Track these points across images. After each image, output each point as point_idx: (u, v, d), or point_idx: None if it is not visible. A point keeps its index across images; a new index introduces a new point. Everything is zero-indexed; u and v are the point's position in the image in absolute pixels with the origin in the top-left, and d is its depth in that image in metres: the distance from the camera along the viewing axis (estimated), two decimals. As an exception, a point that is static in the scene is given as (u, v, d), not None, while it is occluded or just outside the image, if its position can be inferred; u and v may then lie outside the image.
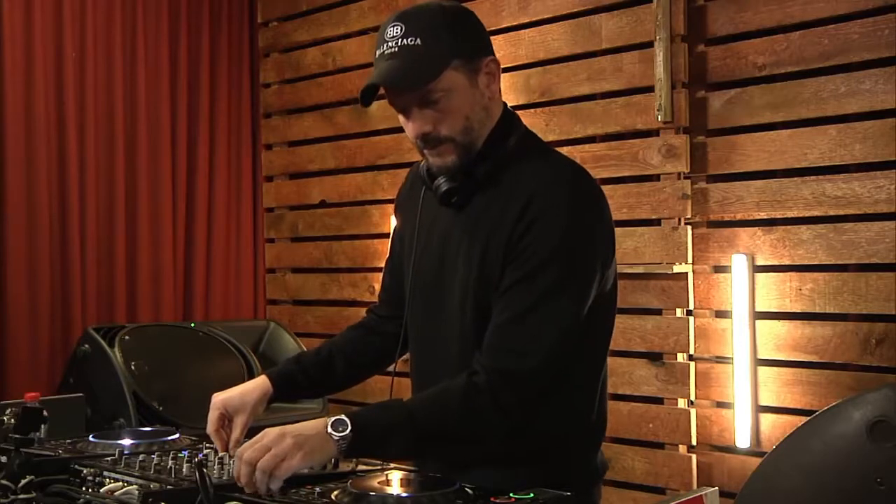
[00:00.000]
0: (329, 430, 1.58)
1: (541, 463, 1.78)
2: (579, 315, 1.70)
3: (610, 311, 1.83)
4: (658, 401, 3.42)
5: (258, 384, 1.95)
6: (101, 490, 1.67)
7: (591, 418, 1.84)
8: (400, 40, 1.68)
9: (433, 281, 1.84)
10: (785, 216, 3.14)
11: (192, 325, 4.01)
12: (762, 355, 3.18)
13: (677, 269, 3.33)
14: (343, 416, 1.60)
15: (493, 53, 1.79)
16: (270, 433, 1.58)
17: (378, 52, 1.72)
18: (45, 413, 1.89)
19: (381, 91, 1.74)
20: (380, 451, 1.68)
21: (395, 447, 1.65)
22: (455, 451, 1.75)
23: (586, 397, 1.83)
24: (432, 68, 1.68)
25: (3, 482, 1.71)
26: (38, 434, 1.89)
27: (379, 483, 1.59)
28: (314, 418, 1.66)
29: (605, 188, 3.63)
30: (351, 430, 1.58)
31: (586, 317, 1.72)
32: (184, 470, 1.70)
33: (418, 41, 1.67)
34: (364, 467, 1.75)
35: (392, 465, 1.77)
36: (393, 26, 1.70)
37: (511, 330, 1.67)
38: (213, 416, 1.87)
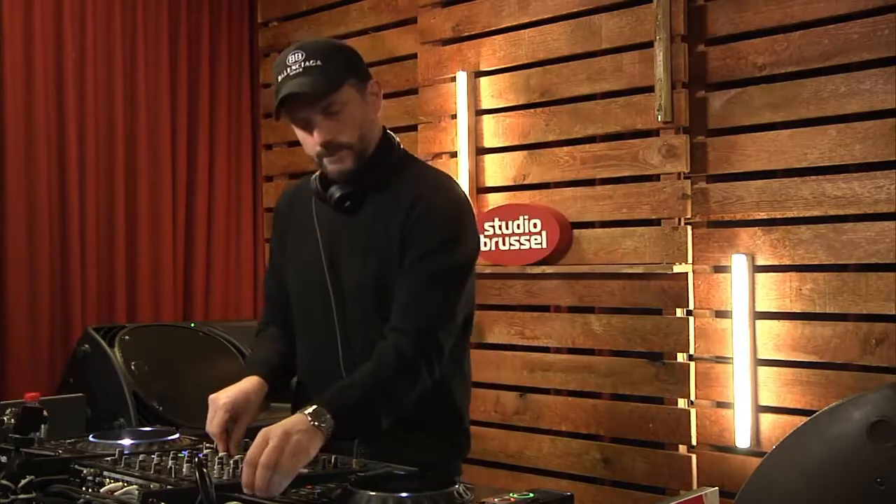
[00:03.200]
0: (315, 423, 1.68)
1: (437, 433, 2.05)
2: (464, 289, 2.00)
3: (471, 301, 2.08)
4: (658, 401, 3.42)
5: (256, 384, 1.98)
6: (101, 490, 1.67)
7: (458, 394, 2.10)
8: (303, 63, 1.96)
9: (322, 283, 2.04)
10: (785, 216, 3.14)
11: (192, 325, 4.01)
12: (762, 355, 3.19)
13: (677, 269, 3.33)
14: (318, 407, 1.72)
15: (373, 78, 2.09)
16: (274, 431, 1.63)
17: (280, 77, 1.97)
18: (45, 413, 1.89)
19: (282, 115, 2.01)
20: (354, 430, 1.83)
21: (366, 423, 1.83)
22: (399, 414, 1.90)
23: (457, 376, 2.09)
24: (334, 81, 1.97)
25: (3, 482, 1.71)
26: (38, 434, 1.89)
27: (379, 483, 1.59)
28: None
29: (605, 188, 3.64)
30: (332, 417, 1.70)
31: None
32: (184, 470, 1.70)
33: (319, 62, 1.96)
34: (364, 468, 1.75)
35: (392, 465, 1.78)
36: (294, 53, 1.97)
37: (419, 297, 1.94)
38: (221, 419, 1.87)
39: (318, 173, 2.10)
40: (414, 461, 1.81)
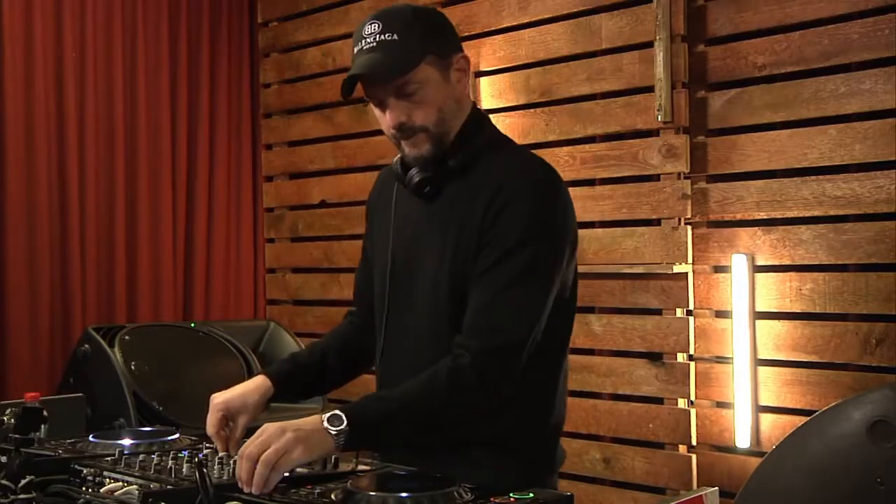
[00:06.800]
0: (326, 425, 1.62)
1: (510, 450, 1.84)
2: (550, 293, 1.78)
3: (571, 305, 1.89)
4: (658, 401, 3.42)
5: (258, 384, 1.95)
6: (101, 490, 1.67)
7: (553, 408, 1.90)
8: (378, 36, 1.78)
9: (406, 274, 1.90)
10: (785, 216, 3.14)
11: (192, 325, 4.01)
12: (762, 355, 3.18)
13: (677, 269, 3.33)
14: (338, 411, 1.64)
15: (462, 51, 1.90)
16: (269, 429, 1.60)
17: (356, 49, 1.82)
18: (45, 413, 1.89)
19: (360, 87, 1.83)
20: (375, 442, 1.75)
21: (390, 437, 1.72)
22: (441, 433, 1.78)
23: (550, 387, 1.88)
24: (409, 60, 1.78)
25: (3, 482, 1.71)
26: (38, 434, 1.88)
27: (379, 483, 1.59)
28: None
29: (605, 188, 3.62)
30: (347, 425, 1.62)
31: (552, 308, 1.79)
32: (184, 470, 1.69)
33: (395, 36, 1.77)
34: (364, 467, 1.75)
35: (392, 465, 1.78)
36: (370, 24, 1.80)
37: (492, 309, 1.75)
38: (214, 419, 1.87)
39: (400, 155, 1.91)
40: (489, 482, 1.58)
